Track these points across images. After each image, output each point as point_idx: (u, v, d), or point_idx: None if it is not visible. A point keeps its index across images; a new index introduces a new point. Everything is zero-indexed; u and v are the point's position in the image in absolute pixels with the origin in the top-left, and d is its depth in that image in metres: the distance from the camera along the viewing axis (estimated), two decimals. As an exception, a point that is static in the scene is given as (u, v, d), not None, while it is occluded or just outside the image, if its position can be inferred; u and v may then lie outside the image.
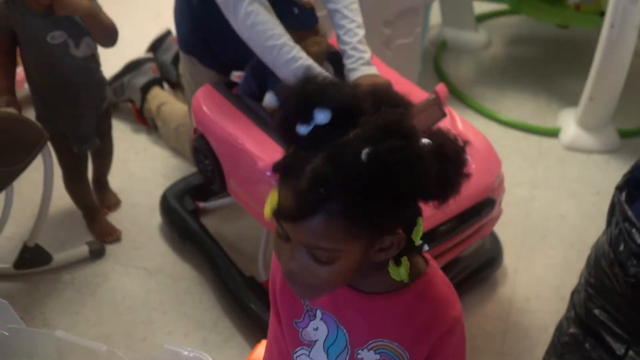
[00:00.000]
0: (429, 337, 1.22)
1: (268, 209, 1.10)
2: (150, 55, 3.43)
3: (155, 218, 2.89)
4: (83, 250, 2.71)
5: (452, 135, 1.12)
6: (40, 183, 2.43)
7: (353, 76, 2.20)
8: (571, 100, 3.48)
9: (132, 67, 3.34)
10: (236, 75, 2.38)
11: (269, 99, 2.28)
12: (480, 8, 4.10)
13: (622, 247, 2.01)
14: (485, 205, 2.30)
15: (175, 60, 3.34)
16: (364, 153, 0.98)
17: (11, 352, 1.75)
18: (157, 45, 3.45)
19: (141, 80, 3.28)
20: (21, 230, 2.70)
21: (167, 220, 2.80)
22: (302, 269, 1.10)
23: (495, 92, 3.67)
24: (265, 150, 2.16)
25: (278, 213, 1.06)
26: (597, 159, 3.25)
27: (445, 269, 2.08)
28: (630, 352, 2.07)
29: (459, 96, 3.61)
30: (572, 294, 2.34)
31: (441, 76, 3.74)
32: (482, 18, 4.18)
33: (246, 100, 2.32)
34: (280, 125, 1.07)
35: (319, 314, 1.27)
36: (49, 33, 2.35)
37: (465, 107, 3.55)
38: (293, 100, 1.04)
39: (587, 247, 2.28)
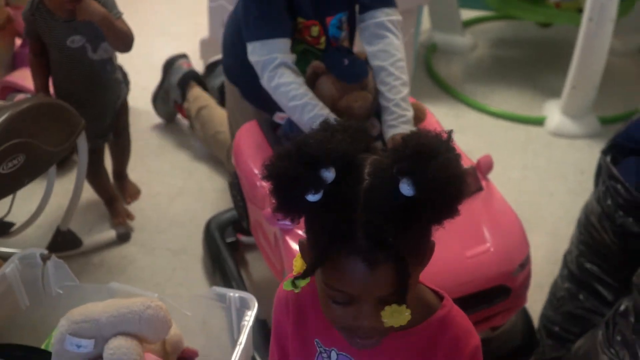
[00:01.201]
0: None
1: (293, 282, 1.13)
2: (180, 53, 3.47)
3: (175, 206, 3.08)
4: (110, 234, 2.88)
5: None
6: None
7: (390, 133, 2.14)
8: (554, 92, 3.72)
9: (167, 68, 3.41)
10: (279, 117, 2.33)
11: None
12: (466, 15, 4.36)
13: (609, 202, 2.21)
14: (498, 294, 2.10)
15: (181, 82, 3.32)
16: (407, 186, 0.98)
17: (67, 309, 1.81)
18: (168, 67, 3.44)
19: (176, 76, 3.33)
20: (48, 218, 2.84)
21: (206, 247, 2.80)
22: (374, 321, 1.05)
23: (484, 89, 3.90)
24: None
25: (341, 283, 1.03)
26: (580, 144, 3.47)
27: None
28: (620, 299, 2.27)
29: (452, 93, 3.84)
30: (565, 255, 2.54)
31: (433, 76, 3.97)
32: (468, 23, 4.42)
33: (284, 142, 2.23)
34: (285, 204, 1.03)
35: (333, 355, 1.23)
36: (69, 37, 2.52)
37: (458, 103, 3.78)
38: (291, 171, 1.00)
39: (574, 218, 2.47)
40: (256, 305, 1.80)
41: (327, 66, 2.17)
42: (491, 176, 2.30)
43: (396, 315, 1.03)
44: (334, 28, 2.32)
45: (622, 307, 1.88)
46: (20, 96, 2.77)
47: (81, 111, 2.54)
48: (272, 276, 2.39)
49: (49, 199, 2.56)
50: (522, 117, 3.67)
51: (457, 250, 2.02)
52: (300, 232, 2.00)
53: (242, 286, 2.53)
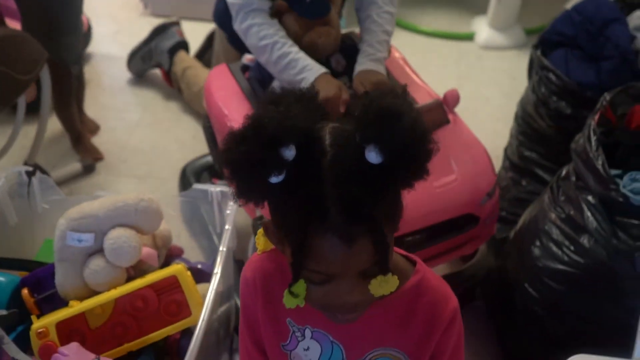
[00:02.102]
0: (433, 335, 1.15)
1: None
2: (175, 19, 3.44)
3: (134, 136, 3.17)
4: (76, 166, 2.95)
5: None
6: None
7: (356, 69, 2.12)
8: (481, 9, 3.89)
9: (158, 31, 3.37)
10: (248, 58, 2.35)
11: (277, 85, 2.21)
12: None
13: (543, 90, 2.40)
14: (467, 223, 2.11)
15: (172, 50, 3.30)
16: (374, 154, 0.93)
17: (54, 223, 1.87)
18: (160, 30, 3.39)
19: (168, 43, 3.31)
20: (15, 155, 2.86)
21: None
22: (358, 295, 1.01)
23: (415, 11, 4.04)
24: None
25: (318, 264, 0.97)
26: (509, 54, 3.67)
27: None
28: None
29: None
30: (505, 149, 2.72)
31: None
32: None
33: (253, 84, 2.26)
34: (246, 189, 0.97)
35: (308, 332, 1.18)
36: None
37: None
38: (250, 155, 0.93)
39: (510, 118, 2.66)
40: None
41: (289, 4, 2.13)
42: (429, 85, 2.36)
43: (384, 285, 0.99)
44: None
45: (564, 172, 2.06)
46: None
47: (61, 39, 2.59)
48: (249, 219, 2.39)
49: (18, 133, 2.62)
50: (453, 33, 3.85)
51: (424, 181, 2.04)
52: None
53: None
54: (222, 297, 1.91)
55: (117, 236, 1.70)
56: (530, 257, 2.06)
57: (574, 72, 2.34)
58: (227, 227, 1.86)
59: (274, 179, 0.93)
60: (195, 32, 3.41)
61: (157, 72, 3.48)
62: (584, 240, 1.91)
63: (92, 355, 1.57)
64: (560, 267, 1.97)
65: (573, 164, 2.00)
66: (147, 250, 1.81)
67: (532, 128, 2.50)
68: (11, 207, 2.06)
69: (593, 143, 1.90)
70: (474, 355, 2.26)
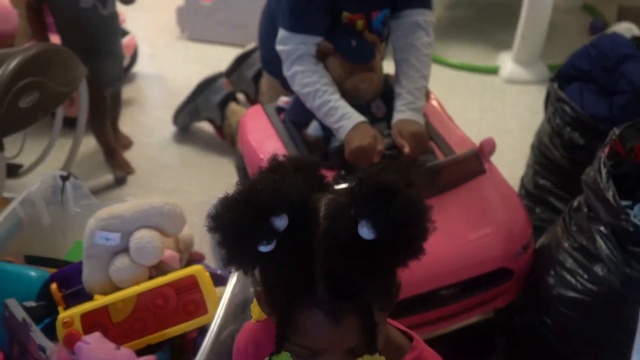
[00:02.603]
0: None
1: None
2: (219, 72, 3.39)
3: (166, 153, 3.29)
4: (108, 178, 3.08)
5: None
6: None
7: (396, 118, 2.11)
8: (506, 45, 4.00)
9: (204, 86, 3.34)
10: (283, 101, 2.36)
11: (314, 128, 2.21)
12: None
13: (558, 121, 2.47)
14: (500, 276, 2.05)
15: (257, 77, 3.28)
16: (367, 230, 0.90)
17: (84, 226, 1.98)
18: (205, 86, 3.39)
19: (216, 97, 3.27)
20: (51, 165, 2.99)
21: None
22: None
23: (442, 46, 4.14)
24: None
25: (303, 339, 0.93)
26: (532, 89, 3.75)
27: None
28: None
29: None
30: (522, 178, 2.80)
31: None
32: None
33: (288, 126, 2.26)
34: (235, 256, 0.94)
35: None
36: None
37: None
38: (240, 222, 0.90)
39: (528, 149, 2.72)
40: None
41: (335, 47, 2.14)
42: (452, 116, 2.43)
43: None
44: (378, 23, 2.28)
45: (575, 203, 2.12)
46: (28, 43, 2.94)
47: (94, 62, 2.72)
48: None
49: (54, 143, 2.75)
50: (478, 67, 3.94)
51: (459, 233, 1.98)
52: None
53: None
54: (237, 307, 1.98)
55: (142, 236, 1.80)
56: (545, 285, 2.08)
57: (588, 105, 2.41)
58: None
59: (264, 248, 0.91)
60: (230, 57, 3.53)
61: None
62: (597, 269, 1.94)
63: (113, 345, 1.66)
64: (574, 295, 2.00)
65: (584, 195, 2.06)
66: (169, 253, 1.91)
67: (546, 158, 2.57)
68: (45, 210, 2.17)
69: (604, 175, 1.94)
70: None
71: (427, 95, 2.33)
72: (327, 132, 2.17)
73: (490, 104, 3.66)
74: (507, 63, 3.88)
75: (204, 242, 2.18)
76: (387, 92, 2.22)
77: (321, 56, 2.16)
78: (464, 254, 1.97)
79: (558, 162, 2.52)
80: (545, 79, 3.77)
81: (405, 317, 1.93)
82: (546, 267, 2.10)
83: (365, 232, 0.89)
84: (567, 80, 2.56)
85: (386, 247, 0.91)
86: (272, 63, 2.35)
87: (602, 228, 1.95)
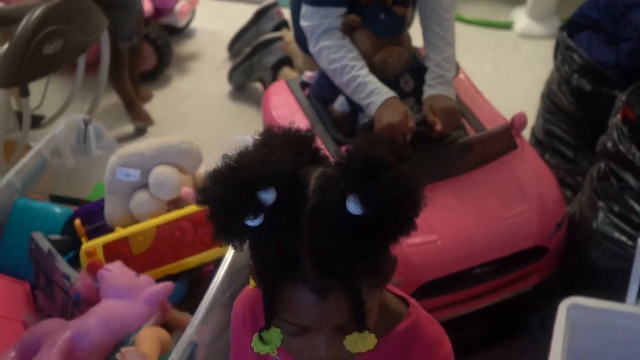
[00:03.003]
0: None
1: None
2: (279, 34, 3.33)
3: (185, 104, 3.37)
4: (129, 128, 3.17)
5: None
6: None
7: (427, 93, 2.07)
8: (520, 0, 4.01)
9: (262, 46, 3.30)
10: (307, 76, 2.32)
11: (340, 103, 2.18)
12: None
13: (566, 68, 2.52)
14: (535, 254, 2.01)
15: (276, 66, 3.23)
16: (354, 205, 0.86)
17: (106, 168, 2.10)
18: (261, 14, 3.43)
19: (272, 59, 3.24)
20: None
21: None
22: (335, 351, 0.94)
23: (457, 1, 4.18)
24: None
25: (290, 315, 0.91)
26: (545, 43, 3.75)
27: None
28: (579, 155, 2.58)
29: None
30: (532, 128, 2.84)
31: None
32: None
33: (313, 101, 2.22)
34: (223, 230, 0.90)
35: None
36: None
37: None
38: (225, 196, 0.87)
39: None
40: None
41: (364, 20, 2.08)
42: (465, 69, 2.42)
43: (360, 343, 0.92)
44: None
45: (595, 173, 2.08)
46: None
47: (113, 15, 2.77)
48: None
49: (76, 94, 2.83)
50: (492, 22, 3.97)
51: (492, 211, 1.97)
52: None
53: None
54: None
55: (161, 172, 1.89)
56: (588, 259, 2.03)
57: (595, 53, 2.44)
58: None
59: (251, 222, 0.88)
60: (249, 14, 3.57)
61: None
62: None
63: (133, 273, 1.75)
64: (624, 264, 1.91)
65: (603, 163, 2.04)
66: (186, 189, 1.99)
67: (555, 105, 2.62)
68: (69, 152, 2.26)
69: (626, 142, 1.93)
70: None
71: (457, 67, 2.28)
72: (355, 107, 2.13)
73: (504, 57, 3.69)
74: (521, 18, 3.91)
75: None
76: (415, 67, 2.19)
77: (349, 30, 2.09)
78: (497, 233, 1.94)
79: (566, 108, 2.56)
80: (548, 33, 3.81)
81: (438, 295, 1.93)
82: (585, 240, 2.05)
83: (353, 207, 0.86)
84: (577, 29, 2.59)
85: (375, 223, 0.87)
86: (303, 40, 2.24)
87: (637, 195, 1.91)
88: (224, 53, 3.73)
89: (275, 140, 0.93)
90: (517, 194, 2.02)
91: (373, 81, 2.00)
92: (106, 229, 1.98)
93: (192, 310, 1.76)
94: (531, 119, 2.84)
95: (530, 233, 1.96)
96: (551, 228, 1.99)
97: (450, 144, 2.06)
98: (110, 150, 2.26)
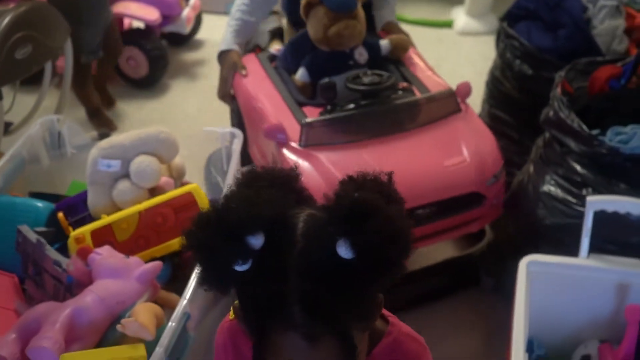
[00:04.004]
0: None
1: None
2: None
3: (145, 109, 3.43)
4: (93, 135, 3.22)
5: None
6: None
7: (383, 19, 2.49)
8: (458, 0, 4.19)
9: None
10: (275, 48, 2.52)
11: (301, 74, 2.35)
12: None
13: (508, 55, 2.67)
14: (473, 200, 2.18)
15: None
16: (345, 249, 0.84)
17: (82, 166, 2.16)
18: None
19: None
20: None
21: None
22: None
23: (399, 3, 4.24)
24: (277, 114, 2.22)
25: None
26: (484, 39, 3.96)
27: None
28: (523, 135, 2.72)
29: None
30: (479, 115, 2.98)
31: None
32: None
33: (280, 72, 2.40)
34: (210, 276, 0.88)
35: None
36: None
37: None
38: (212, 242, 0.85)
39: (482, 91, 2.91)
40: (242, 135, 2.19)
41: None
42: None
43: None
44: None
45: (541, 142, 2.26)
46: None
47: (77, 30, 2.83)
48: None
49: (43, 99, 2.88)
50: (433, 21, 4.15)
51: (436, 160, 2.13)
52: (295, 144, 2.13)
53: None
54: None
55: (141, 161, 1.97)
56: (536, 219, 2.16)
57: (534, 39, 2.61)
58: (232, 163, 2.11)
59: (239, 268, 0.85)
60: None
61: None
62: (585, 192, 2.04)
63: (122, 255, 1.82)
64: (569, 220, 2.07)
65: (548, 134, 2.19)
66: (164, 179, 2.07)
67: (499, 90, 2.77)
68: (45, 150, 2.32)
69: (565, 110, 2.08)
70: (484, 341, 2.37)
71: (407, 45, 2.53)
72: (314, 78, 2.33)
73: (446, 54, 3.86)
74: (460, 16, 4.09)
75: (194, 173, 2.34)
76: (368, 41, 2.40)
77: (308, 7, 2.31)
78: (439, 177, 2.09)
79: (509, 93, 2.72)
80: (496, 29, 3.95)
81: None
82: (533, 202, 2.19)
83: (343, 251, 0.84)
84: (515, 20, 2.75)
85: (365, 267, 0.85)
86: (290, 10, 2.58)
87: (578, 158, 2.06)
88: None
89: (260, 181, 0.92)
90: (458, 148, 2.17)
91: (232, 31, 2.46)
92: (88, 221, 2.05)
93: (176, 291, 1.85)
94: (477, 108, 2.99)
95: (469, 181, 2.12)
96: (488, 177, 2.16)
97: (400, 102, 2.24)
98: (84, 148, 2.33)
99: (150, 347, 1.58)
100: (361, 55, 2.38)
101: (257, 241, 0.85)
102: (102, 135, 3.21)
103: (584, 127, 2.01)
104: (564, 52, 2.51)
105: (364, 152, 2.11)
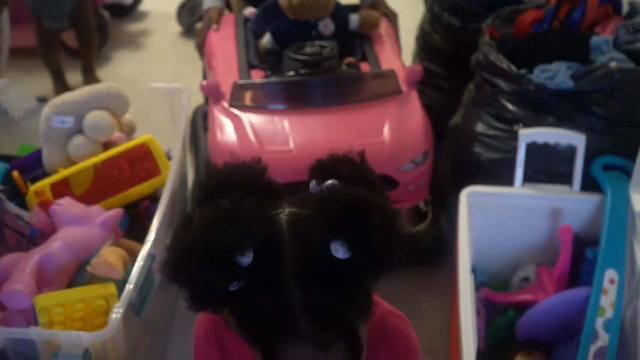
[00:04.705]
0: None
1: None
2: None
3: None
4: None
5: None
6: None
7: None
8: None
9: None
10: (248, 11, 2.54)
11: (267, 39, 2.36)
12: None
13: (437, 9, 2.78)
14: (386, 183, 2.02)
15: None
16: (342, 251, 0.82)
17: (30, 130, 2.25)
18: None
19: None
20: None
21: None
22: None
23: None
24: (223, 75, 2.26)
25: None
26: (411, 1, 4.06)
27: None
28: (453, 85, 2.83)
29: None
30: (409, 69, 3.09)
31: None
32: None
33: (248, 34, 2.43)
34: (201, 299, 0.86)
35: None
36: None
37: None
38: (203, 271, 0.82)
39: (411, 50, 3.01)
40: (188, 90, 2.24)
41: None
42: None
43: None
44: None
45: (473, 86, 2.36)
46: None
47: None
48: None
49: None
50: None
51: (351, 137, 2.09)
52: (225, 103, 2.17)
53: None
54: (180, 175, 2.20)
55: (95, 115, 2.01)
56: (472, 155, 2.23)
57: (461, -8, 2.73)
58: (182, 117, 2.18)
59: (233, 287, 0.83)
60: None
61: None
62: (517, 127, 2.13)
63: (83, 205, 1.86)
64: (502, 155, 2.15)
65: (479, 78, 2.29)
66: (117, 134, 2.11)
67: (428, 44, 2.88)
68: (-9, 115, 2.33)
69: (494, 53, 2.18)
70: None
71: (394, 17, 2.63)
72: (279, 44, 2.35)
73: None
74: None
75: (142, 130, 2.37)
76: (337, 13, 2.41)
77: None
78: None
79: (439, 45, 2.82)
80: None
81: None
82: (469, 141, 2.26)
83: (341, 252, 0.82)
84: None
85: (362, 263, 0.84)
86: None
87: (509, 97, 2.16)
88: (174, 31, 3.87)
89: (232, 186, 0.88)
90: (380, 129, 2.13)
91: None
92: (43, 178, 2.08)
93: (135, 240, 1.91)
94: (408, 62, 3.10)
95: (378, 162, 2.01)
96: (402, 162, 2.11)
97: (330, 75, 2.23)
98: (33, 112, 2.34)
99: (118, 287, 1.64)
100: (326, 27, 2.39)
101: (247, 259, 0.82)
102: (41, 100, 3.21)
103: (513, 67, 2.12)
104: (489, 3, 2.62)
105: (285, 119, 2.11)
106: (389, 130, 2.12)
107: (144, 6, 4.18)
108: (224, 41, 2.42)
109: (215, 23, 2.51)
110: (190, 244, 0.82)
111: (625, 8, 2.31)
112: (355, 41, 2.46)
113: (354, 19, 2.45)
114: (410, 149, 2.13)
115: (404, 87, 2.25)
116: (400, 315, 1.11)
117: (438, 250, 2.35)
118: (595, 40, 2.11)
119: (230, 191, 0.87)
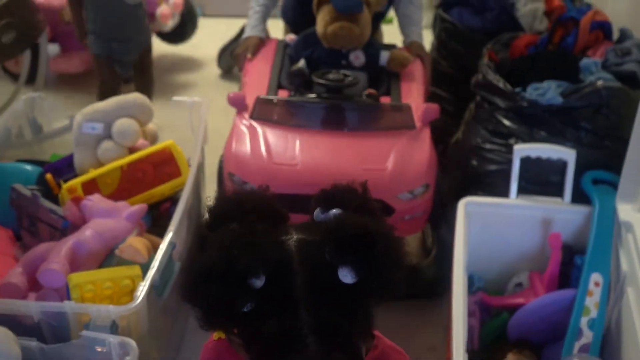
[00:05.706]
0: None
1: None
2: None
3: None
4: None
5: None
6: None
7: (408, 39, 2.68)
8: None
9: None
10: (289, 38, 2.67)
11: (301, 63, 2.47)
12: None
13: (443, 37, 2.99)
14: (383, 210, 2.06)
15: None
16: (350, 276, 0.88)
17: (62, 142, 2.49)
18: None
19: None
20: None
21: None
22: None
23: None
24: (251, 91, 2.39)
25: None
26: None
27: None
28: (457, 108, 3.01)
29: None
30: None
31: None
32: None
33: (285, 59, 2.56)
34: (214, 320, 0.92)
35: None
36: None
37: None
38: (222, 292, 0.88)
39: None
40: (207, 103, 2.45)
41: None
42: None
43: None
44: None
45: (473, 106, 2.54)
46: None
47: (114, 46, 2.94)
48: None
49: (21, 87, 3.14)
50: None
51: (354, 161, 2.17)
52: (247, 115, 2.31)
53: None
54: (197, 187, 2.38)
55: (122, 122, 2.23)
56: (470, 168, 2.38)
57: (465, 22, 2.95)
58: (200, 129, 2.37)
59: (246, 308, 0.88)
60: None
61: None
62: (511, 142, 2.27)
63: (110, 201, 2.07)
64: (497, 167, 2.30)
65: (479, 98, 2.48)
66: (141, 141, 2.32)
67: (436, 70, 3.08)
68: (27, 125, 2.54)
69: (491, 73, 2.38)
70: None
71: (427, 60, 2.71)
72: (311, 70, 2.46)
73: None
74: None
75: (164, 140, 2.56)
76: (370, 48, 2.53)
77: (318, 4, 2.47)
78: (348, 174, 2.03)
79: (445, 70, 3.03)
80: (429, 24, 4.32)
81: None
82: (468, 155, 2.43)
83: (348, 277, 0.87)
84: (449, 6, 3.08)
85: (367, 287, 0.89)
86: (287, 13, 2.89)
87: (505, 113, 2.33)
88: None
89: (245, 211, 0.94)
90: (385, 158, 2.19)
91: (256, 18, 2.64)
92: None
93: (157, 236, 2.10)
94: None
95: (374, 186, 2.16)
96: (400, 191, 2.17)
97: (347, 103, 2.34)
98: (63, 130, 2.57)
99: (143, 272, 1.82)
100: (357, 58, 2.50)
101: (260, 282, 0.87)
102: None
103: (508, 85, 2.32)
104: (491, 31, 2.83)
105: (298, 137, 2.22)
106: (393, 159, 2.20)
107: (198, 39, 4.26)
108: (261, 62, 2.57)
109: (250, 52, 2.62)
110: (208, 266, 0.88)
111: (616, 34, 2.50)
112: (384, 76, 2.56)
113: (384, 55, 2.56)
114: (410, 179, 2.20)
115: (417, 123, 2.32)
116: (400, 350, 1.15)
117: (439, 285, 2.40)
118: (585, 62, 2.31)
119: (241, 216, 0.94)
